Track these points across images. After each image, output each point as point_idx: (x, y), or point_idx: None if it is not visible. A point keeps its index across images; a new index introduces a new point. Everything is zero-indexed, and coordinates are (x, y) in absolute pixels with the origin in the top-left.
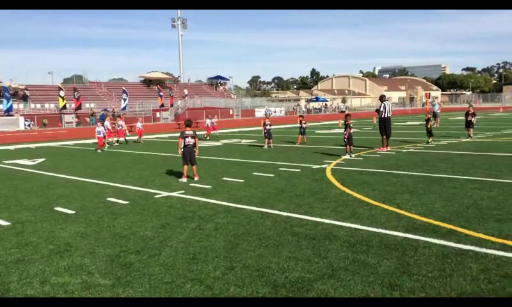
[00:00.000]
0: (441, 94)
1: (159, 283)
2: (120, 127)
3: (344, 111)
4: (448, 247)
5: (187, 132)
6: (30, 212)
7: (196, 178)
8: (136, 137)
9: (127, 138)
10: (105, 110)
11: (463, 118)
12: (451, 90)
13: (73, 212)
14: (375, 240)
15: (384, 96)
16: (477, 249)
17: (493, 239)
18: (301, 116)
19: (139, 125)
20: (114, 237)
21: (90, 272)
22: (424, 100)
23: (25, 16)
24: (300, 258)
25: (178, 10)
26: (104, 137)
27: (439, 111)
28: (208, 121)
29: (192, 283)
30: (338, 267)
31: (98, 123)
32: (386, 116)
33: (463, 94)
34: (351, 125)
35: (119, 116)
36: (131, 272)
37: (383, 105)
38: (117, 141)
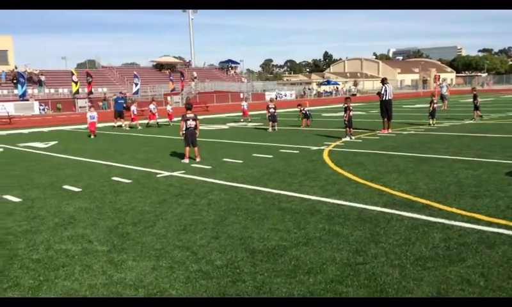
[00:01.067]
0: (456, 76)
1: (150, 249)
2: (152, 111)
3: (355, 94)
4: (420, 219)
5: (188, 115)
6: (40, 190)
7: (197, 159)
8: (165, 120)
9: (159, 121)
10: (121, 92)
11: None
12: (466, 72)
13: (80, 189)
14: (353, 214)
15: (385, 79)
16: (446, 221)
17: (464, 213)
18: (299, 104)
19: (168, 108)
20: (115, 211)
21: (90, 240)
22: (439, 82)
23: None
24: (281, 229)
25: None
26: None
27: (447, 94)
28: (244, 104)
29: (180, 249)
30: (314, 237)
31: (91, 108)
32: (387, 98)
33: (478, 76)
34: (351, 108)
35: (152, 100)
36: (126, 240)
37: (384, 88)
38: (147, 125)
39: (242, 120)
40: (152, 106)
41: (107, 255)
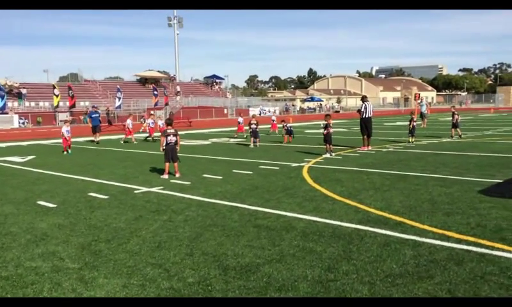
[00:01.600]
0: (437, 94)
1: (122, 267)
2: (150, 125)
3: (339, 111)
4: (392, 236)
5: (169, 131)
6: (14, 205)
7: (177, 175)
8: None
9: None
10: (94, 106)
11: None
12: (446, 91)
13: (55, 205)
14: (328, 231)
15: (365, 97)
16: (417, 238)
17: (435, 230)
18: (282, 121)
19: (149, 121)
20: (89, 228)
21: (61, 257)
22: (419, 100)
23: (22, 13)
24: (255, 246)
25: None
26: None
27: (426, 112)
28: (240, 119)
29: (152, 266)
30: (287, 254)
31: (66, 123)
32: (367, 116)
33: (458, 95)
34: (331, 125)
35: (152, 114)
36: (99, 257)
37: (364, 105)
38: (146, 139)
39: (236, 136)
40: (148, 121)
41: (78, 272)
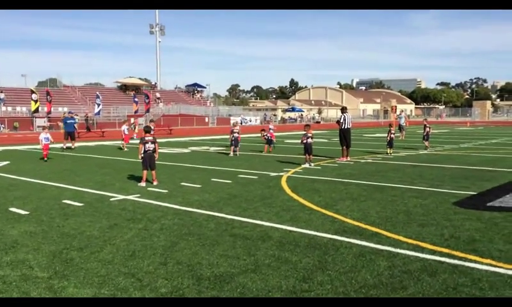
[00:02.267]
0: (415, 107)
1: (93, 276)
2: (125, 132)
3: (319, 122)
4: (368, 247)
5: (147, 138)
6: None
7: (155, 183)
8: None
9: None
10: (70, 112)
11: (431, 131)
12: (424, 104)
13: (27, 212)
14: (304, 241)
15: (345, 108)
16: (392, 249)
17: (410, 241)
18: (262, 130)
19: (123, 128)
20: (62, 236)
21: (31, 266)
22: (397, 113)
23: (1, 17)
24: (230, 256)
25: (157, 16)
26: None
27: (405, 124)
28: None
29: (125, 276)
30: (262, 264)
31: (45, 129)
32: (346, 127)
33: (435, 108)
34: (309, 135)
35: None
36: (69, 266)
37: (343, 116)
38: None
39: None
40: (124, 127)
41: (47, 282)
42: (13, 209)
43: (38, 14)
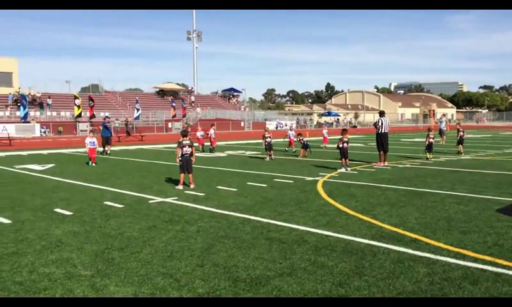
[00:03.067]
0: (457, 111)
1: (133, 275)
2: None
3: (356, 126)
4: (406, 253)
5: (184, 142)
6: (31, 212)
7: (192, 186)
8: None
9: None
10: (107, 117)
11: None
12: (466, 108)
13: (71, 213)
14: (340, 246)
15: (383, 112)
16: (432, 256)
17: (451, 248)
18: (298, 134)
19: (198, 134)
20: (103, 236)
21: (75, 264)
22: (438, 117)
23: (46, 26)
24: (266, 259)
25: (194, 22)
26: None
27: (445, 129)
28: (291, 133)
29: (163, 276)
30: (298, 267)
31: (90, 134)
32: (383, 131)
33: (478, 112)
34: (345, 140)
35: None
36: (111, 265)
37: (380, 120)
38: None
39: (286, 149)
40: (199, 134)
41: (90, 280)
42: (58, 210)
43: (83, 23)
